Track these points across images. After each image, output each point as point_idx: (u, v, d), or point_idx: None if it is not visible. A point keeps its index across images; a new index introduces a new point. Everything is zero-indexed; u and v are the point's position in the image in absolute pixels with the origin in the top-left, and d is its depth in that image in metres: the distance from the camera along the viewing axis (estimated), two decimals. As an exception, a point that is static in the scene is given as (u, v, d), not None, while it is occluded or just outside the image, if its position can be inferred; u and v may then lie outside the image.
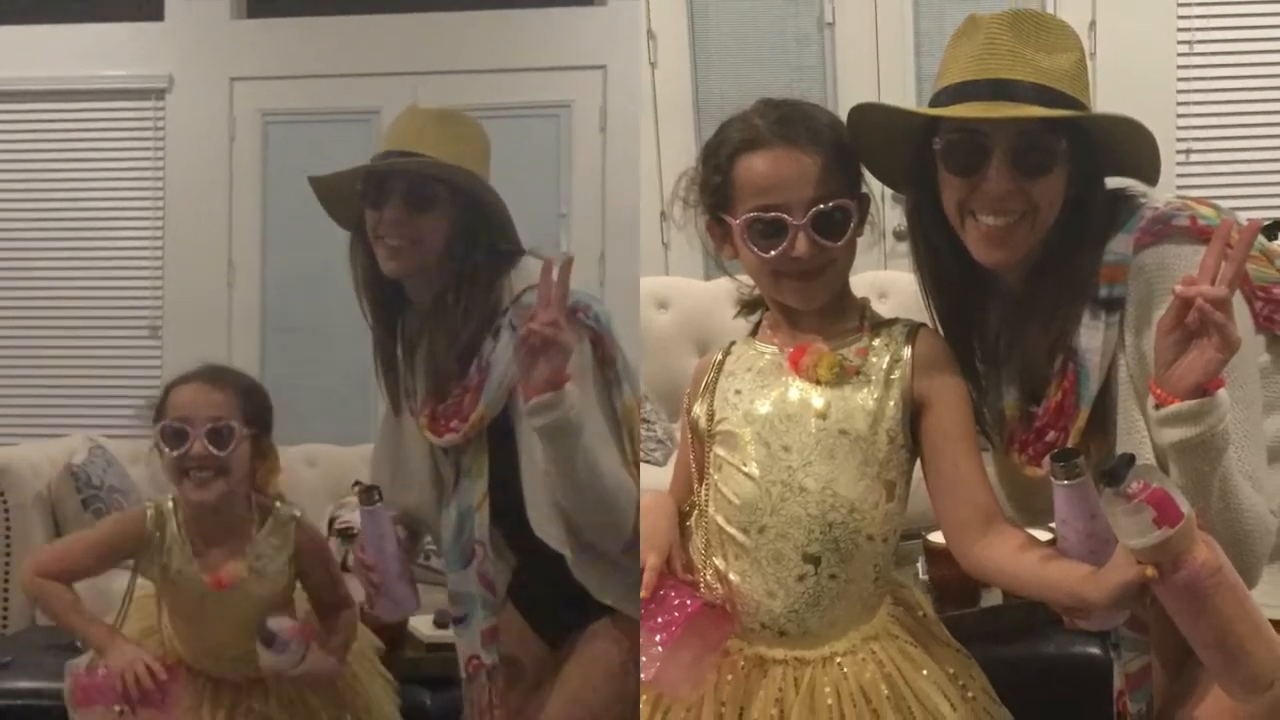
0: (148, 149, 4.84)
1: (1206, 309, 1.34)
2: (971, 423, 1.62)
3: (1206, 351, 1.36)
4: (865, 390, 1.60)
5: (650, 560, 1.65)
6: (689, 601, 1.61)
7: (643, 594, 1.65)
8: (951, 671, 1.62)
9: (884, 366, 1.60)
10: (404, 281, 2.02)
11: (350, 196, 2.02)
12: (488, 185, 1.99)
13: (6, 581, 3.75)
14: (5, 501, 3.74)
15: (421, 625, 3.03)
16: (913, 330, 1.64)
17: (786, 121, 1.59)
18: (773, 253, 1.57)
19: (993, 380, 1.71)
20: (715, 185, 1.63)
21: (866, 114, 1.61)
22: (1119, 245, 1.56)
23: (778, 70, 4.61)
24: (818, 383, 1.59)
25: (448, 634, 2.79)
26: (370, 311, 2.11)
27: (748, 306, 1.77)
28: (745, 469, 1.61)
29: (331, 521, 3.97)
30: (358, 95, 4.75)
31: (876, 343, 1.63)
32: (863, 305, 1.69)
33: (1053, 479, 1.45)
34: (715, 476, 1.66)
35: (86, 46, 4.81)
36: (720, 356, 1.73)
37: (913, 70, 4.59)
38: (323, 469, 4.30)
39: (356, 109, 4.78)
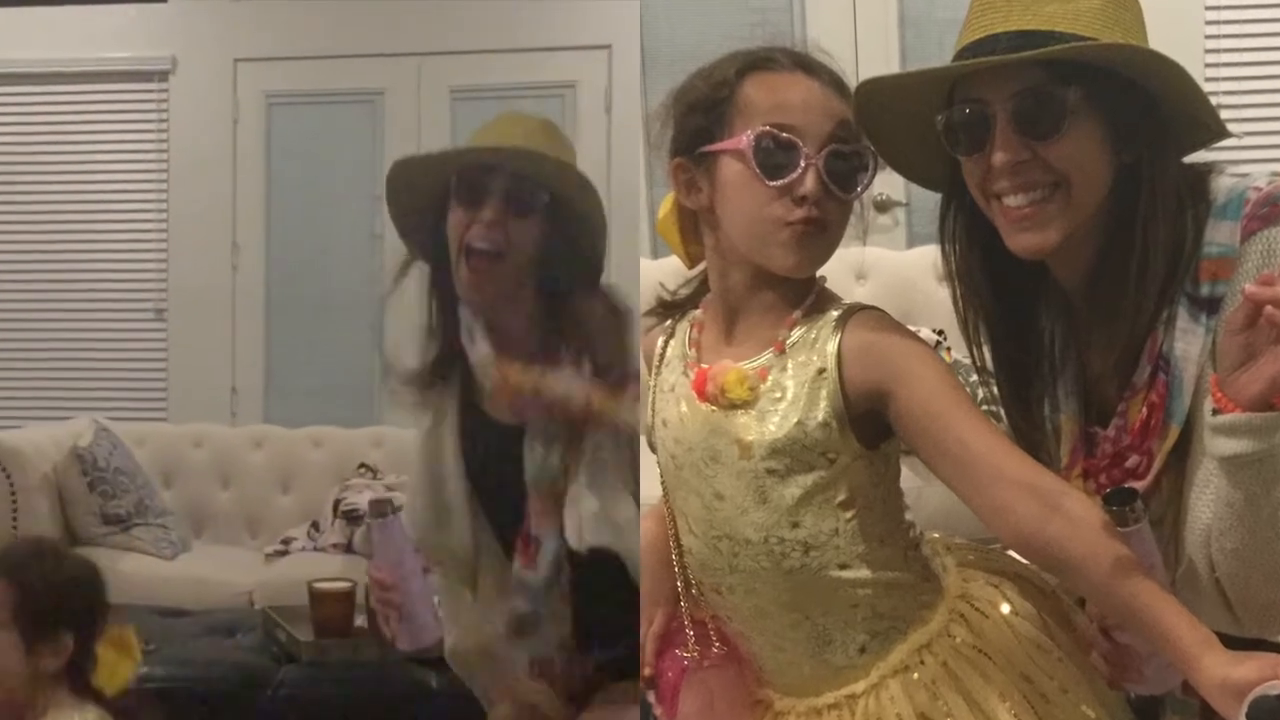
0: (151, 131, 4.83)
1: (1277, 317, 1.13)
2: (957, 387, 1.31)
3: (1278, 361, 1.15)
4: (779, 414, 1.33)
5: (647, 629, 1.49)
6: (670, 674, 1.45)
7: (644, 671, 1.49)
8: (1026, 674, 1.34)
9: (807, 377, 1.33)
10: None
11: (429, 196, 1.80)
12: (595, 195, 1.80)
13: (13, 564, 3.76)
14: (12, 484, 3.75)
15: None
16: (843, 317, 1.35)
17: (805, 56, 1.39)
18: (778, 181, 1.32)
19: (1049, 391, 1.48)
20: (713, 104, 1.37)
21: (871, 95, 1.36)
22: (1223, 235, 1.32)
23: (737, 13, 4.15)
24: (733, 407, 1.35)
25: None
26: (437, 333, 1.87)
27: (665, 309, 1.51)
28: (689, 523, 1.41)
29: (336, 504, 3.98)
30: (362, 76, 4.74)
31: (796, 338, 1.36)
32: (803, 297, 1.40)
33: None
34: (674, 513, 1.46)
35: (90, 29, 4.79)
36: (663, 343, 1.49)
37: (895, 12, 4.07)
38: (328, 451, 4.30)
39: (360, 90, 4.76)
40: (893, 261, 3.62)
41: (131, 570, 3.78)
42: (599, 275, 1.84)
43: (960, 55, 1.37)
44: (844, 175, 1.35)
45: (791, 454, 1.32)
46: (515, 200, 1.76)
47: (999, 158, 1.33)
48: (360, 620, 2.93)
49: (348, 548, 3.87)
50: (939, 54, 1.45)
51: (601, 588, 1.77)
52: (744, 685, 1.45)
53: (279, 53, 4.76)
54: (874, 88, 1.36)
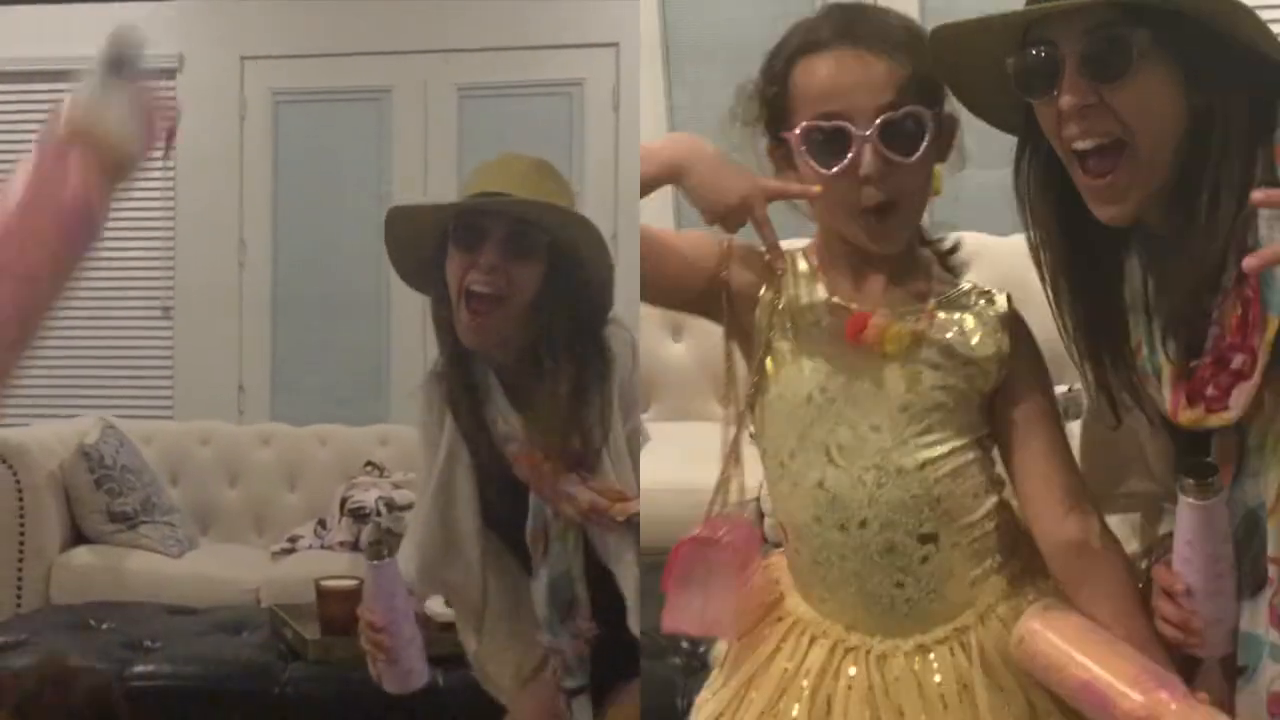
0: (158, 128, 4.83)
1: None
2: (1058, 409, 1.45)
3: None
4: (955, 356, 1.43)
5: (759, 208, 1.41)
6: (683, 550, 1.46)
7: (770, 250, 1.44)
8: None
9: (970, 326, 1.44)
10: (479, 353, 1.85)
11: (427, 240, 1.81)
12: (597, 235, 1.79)
13: (21, 560, 3.76)
14: (19, 481, 3.75)
15: (434, 604, 3.03)
16: (993, 293, 1.47)
17: (853, 21, 1.41)
18: (835, 168, 1.38)
19: (1144, 337, 1.43)
20: (772, 96, 1.43)
21: (947, 40, 1.38)
22: None
23: (756, 3, 4.04)
24: (884, 356, 1.41)
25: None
26: (444, 379, 1.88)
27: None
28: (833, 455, 1.43)
29: (343, 502, 3.98)
30: (369, 74, 4.74)
31: (948, 299, 1.45)
32: (929, 262, 1.50)
33: (1181, 495, 1.30)
34: (775, 462, 1.48)
35: (97, 26, 4.78)
36: (769, 290, 1.48)
37: (916, 2, 4.04)
38: (334, 449, 4.30)
39: (368, 87, 4.76)
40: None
41: (138, 568, 3.80)
42: (604, 315, 1.84)
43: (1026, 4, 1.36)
44: (902, 140, 1.38)
45: (963, 388, 1.43)
46: (515, 244, 1.76)
47: (1066, 100, 1.31)
48: (367, 618, 2.92)
49: (354, 545, 3.87)
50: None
51: (599, 632, 1.83)
52: (745, 572, 1.47)
53: (286, 50, 4.76)
54: (949, 33, 1.36)
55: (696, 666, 2.38)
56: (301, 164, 4.81)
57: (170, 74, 4.79)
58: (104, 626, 3.14)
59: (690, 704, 1.59)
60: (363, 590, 2.04)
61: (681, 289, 1.50)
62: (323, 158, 4.81)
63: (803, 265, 1.48)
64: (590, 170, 4.64)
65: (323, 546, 3.94)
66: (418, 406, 1.92)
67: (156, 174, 4.83)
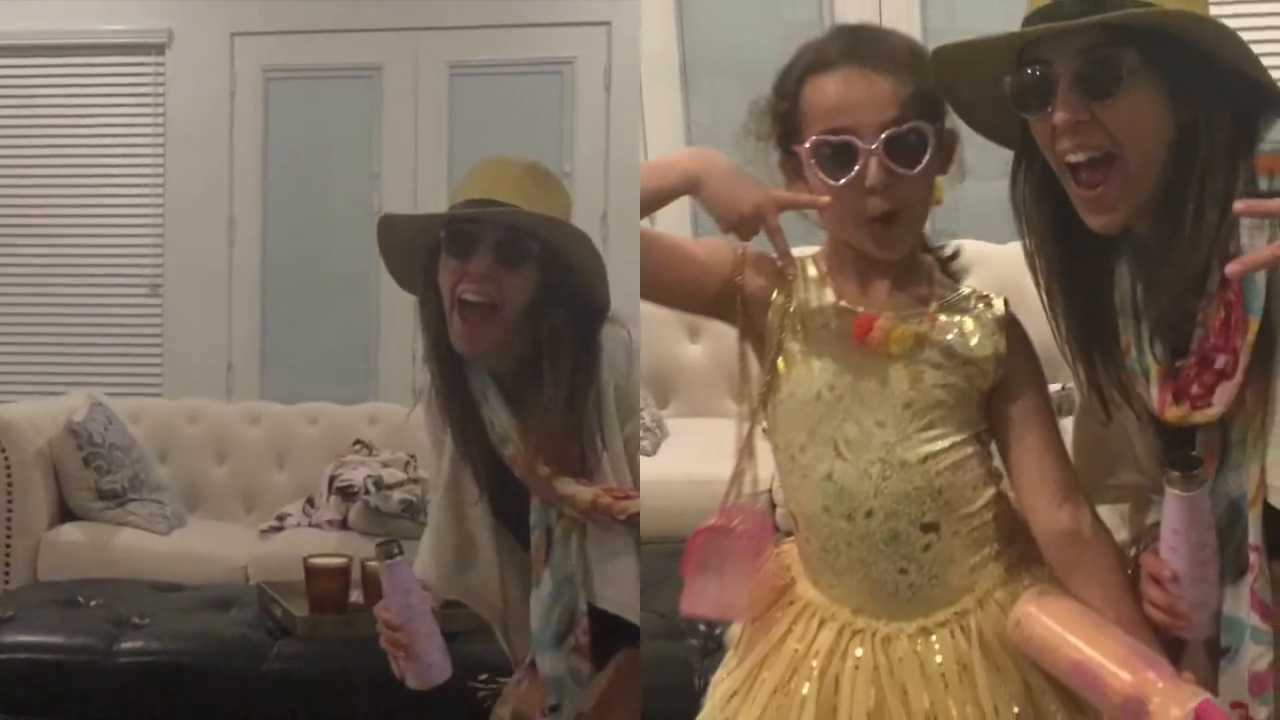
0: (148, 105, 4.81)
1: None
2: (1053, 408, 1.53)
3: None
4: (956, 356, 1.49)
5: (772, 218, 1.48)
6: (699, 538, 1.54)
7: (782, 257, 1.51)
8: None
9: (969, 328, 1.50)
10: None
11: (419, 247, 1.82)
12: (589, 243, 1.80)
13: (9, 537, 3.76)
14: (7, 458, 3.74)
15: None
16: (990, 297, 1.53)
17: (859, 42, 1.48)
18: (843, 180, 1.45)
19: (1133, 339, 1.49)
20: (783, 112, 1.51)
21: (948, 60, 1.45)
22: (1278, 130, 1.39)
23: (769, 24, 4.32)
24: (889, 357, 1.49)
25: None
26: (438, 385, 1.88)
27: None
28: (840, 449, 1.50)
29: (332, 480, 3.98)
30: (359, 51, 4.72)
31: (948, 303, 1.52)
32: (931, 268, 1.56)
33: (1168, 486, 1.36)
34: (786, 456, 1.54)
35: (86, 1, 4.77)
36: (781, 294, 1.55)
37: (918, 23, 4.29)
38: (323, 427, 4.30)
39: (358, 65, 4.75)
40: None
41: (127, 545, 3.80)
42: (599, 320, 1.84)
43: (1030, 20, 1.42)
44: (906, 153, 1.45)
45: (962, 387, 1.49)
46: (506, 252, 1.77)
47: (1059, 116, 1.38)
48: (355, 596, 2.93)
49: (343, 524, 3.87)
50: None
51: (600, 644, 1.82)
52: (758, 559, 1.55)
53: (276, 27, 4.74)
54: (950, 53, 1.44)
55: (712, 648, 2.43)
56: (292, 141, 4.79)
57: (160, 50, 4.78)
58: (92, 604, 3.14)
59: (706, 683, 1.66)
60: (374, 585, 2.01)
61: (698, 293, 1.56)
62: (313, 135, 4.80)
63: (812, 271, 1.55)
64: (581, 149, 4.63)
65: (311, 524, 3.94)
66: (423, 410, 1.94)
67: (146, 151, 4.82)
